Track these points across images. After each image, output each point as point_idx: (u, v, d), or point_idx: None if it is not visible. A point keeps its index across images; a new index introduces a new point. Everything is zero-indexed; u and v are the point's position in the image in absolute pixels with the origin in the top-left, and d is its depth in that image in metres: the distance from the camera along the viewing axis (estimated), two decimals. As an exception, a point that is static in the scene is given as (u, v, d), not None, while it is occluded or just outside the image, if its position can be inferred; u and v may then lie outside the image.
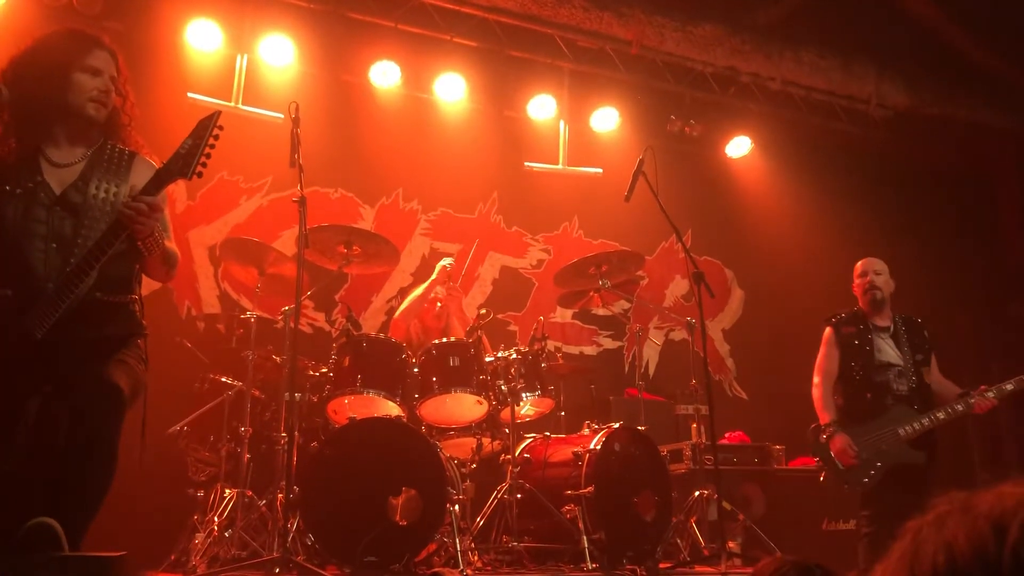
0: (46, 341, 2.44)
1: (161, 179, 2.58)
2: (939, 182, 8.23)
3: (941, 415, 4.46)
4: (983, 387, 4.48)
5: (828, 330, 4.84)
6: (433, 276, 5.40)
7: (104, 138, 2.81)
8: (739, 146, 7.58)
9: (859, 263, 4.93)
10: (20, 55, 2.73)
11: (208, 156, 2.59)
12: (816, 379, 4.78)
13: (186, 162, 2.55)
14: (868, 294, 4.79)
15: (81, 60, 2.72)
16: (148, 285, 2.90)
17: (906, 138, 7.80)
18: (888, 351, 4.69)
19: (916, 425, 4.45)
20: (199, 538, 4.22)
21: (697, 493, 4.96)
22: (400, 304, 5.75)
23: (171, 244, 2.82)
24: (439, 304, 5.36)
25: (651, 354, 7.28)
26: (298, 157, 3.98)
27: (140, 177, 2.68)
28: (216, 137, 2.61)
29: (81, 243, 2.54)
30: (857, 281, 4.88)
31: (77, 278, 2.47)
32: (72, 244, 2.55)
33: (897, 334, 4.74)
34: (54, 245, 2.56)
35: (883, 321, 4.79)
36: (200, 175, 2.58)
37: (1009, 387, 4.44)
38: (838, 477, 4.52)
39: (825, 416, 4.62)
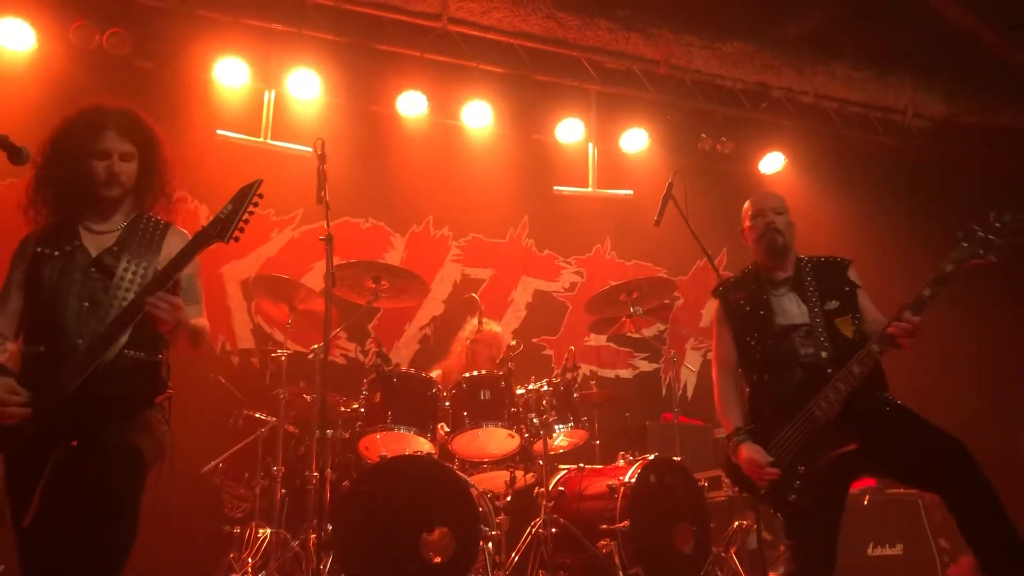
0: (75, 397, 2.48)
1: (199, 241, 2.64)
2: (982, 191, 8.00)
3: (857, 368, 3.14)
4: (899, 306, 3.17)
5: (715, 304, 3.66)
6: None
7: (139, 210, 2.89)
8: (772, 162, 7.48)
9: (748, 202, 3.66)
10: (52, 138, 2.86)
11: (246, 222, 2.67)
12: (714, 375, 3.59)
13: (224, 226, 2.63)
14: (765, 239, 3.51)
15: (91, 146, 2.80)
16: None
17: (946, 148, 7.60)
18: (790, 308, 3.44)
19: (832, 395, 3.16)
20: (234, 579, 4.23)
21: (736, 523, 4.86)
22: (433, 332, 5.80)
23: (200, 321, 2.87)
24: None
25: (688, 376, 7.18)
26: (324, 194, 3.98)
27: (173, 248, 2.76)
28: (256, 204, 2.69)
29: (116, 304, 2.63)
30: (748, 225, 3.61)
31: (107, 340, 2.52)
32: (105, 305, 2.64)
33: (800, 283, 3.48)
34: (87, 304, 2.65)
35: (783, 272, 3.54)
36: (237, 239, 2.66)
37: (927, 293, 3.17)
38: (766, 503, 3.33)
39: (727, 422, 3.43)
